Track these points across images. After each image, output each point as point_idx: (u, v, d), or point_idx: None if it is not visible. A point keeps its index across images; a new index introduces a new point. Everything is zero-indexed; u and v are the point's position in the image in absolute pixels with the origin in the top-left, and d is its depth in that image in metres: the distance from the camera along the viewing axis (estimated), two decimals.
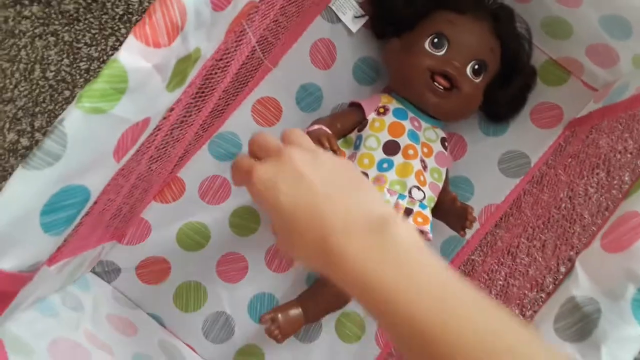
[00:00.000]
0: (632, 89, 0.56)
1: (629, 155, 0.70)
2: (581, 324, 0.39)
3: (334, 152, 0.55)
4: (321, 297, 0.60)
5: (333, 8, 0.65)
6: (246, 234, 0.65)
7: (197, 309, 0.63)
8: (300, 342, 0.64)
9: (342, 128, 0.60)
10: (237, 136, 0.64)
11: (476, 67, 0.58)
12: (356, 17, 0.66)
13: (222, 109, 0.62)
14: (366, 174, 0.57)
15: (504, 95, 0.63)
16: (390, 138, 0.58)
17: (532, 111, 0.68)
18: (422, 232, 0.57)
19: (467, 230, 0.57)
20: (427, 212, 0.57)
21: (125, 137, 0.36)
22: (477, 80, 0.59)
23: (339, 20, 0.66)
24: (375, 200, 0.35)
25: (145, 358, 0.54)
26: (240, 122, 0.64)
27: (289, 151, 0.36)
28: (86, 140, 0.33)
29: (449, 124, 0.65)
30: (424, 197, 0.57)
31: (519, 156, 0.67)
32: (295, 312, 0.59)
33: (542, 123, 0.67)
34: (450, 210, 0.58)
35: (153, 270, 0.62)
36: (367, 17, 0.66)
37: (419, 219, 0.56)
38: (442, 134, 0.62)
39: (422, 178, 0.57)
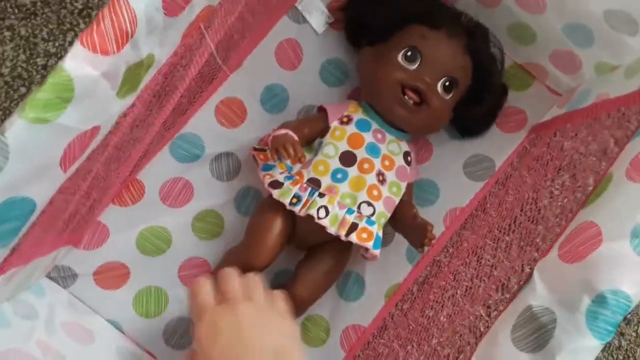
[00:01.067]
0: (594, 96, 0.57)
1: (592, 158, 0.71)
2: (537, 334, 0.39)
3: (299, 160, 0.54)
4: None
5: (299, 8, 0.64)
6: (210, 238, 0.63)
7: (158, 315, 0.61)
8: None
9: (310, 133, 0.60)
10: (200, 138, 0.63)
11: (447, 83, 0.58)
12: (327, 22, 0.65)
13: (185, 109, 0.60)
14: (319, 181, 0.57)
15: (474, 112, 0.64)
16: (348, 149, 0.58)
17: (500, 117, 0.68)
18: (366, 249, 0.57)
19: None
20: (374, 228, 0.57)
21: (73, 146, 0.35)
22: (447, 97, 0.59)
23: (305, 20, 0.65)
24: None
25: None
26: (203, 123, 0.63)
27: (241, 309, 0.45)
28: (29, 151, 0.32)
29: (417, 136, 0.65)
30: (373, 213, 0.57)
31: (484, 160, 0.67)
32: None
33: (507, 127, 0.68)
34: (410, 226, 0.58)
35: (111, 275, 0.61)
36: (332, 20, 0.65)
37: (364, 235, 0.56)
38: (406, 148, 0.61)
39: (375, 193, 0.57)
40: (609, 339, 0.36)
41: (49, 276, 0.58)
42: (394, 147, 0.60)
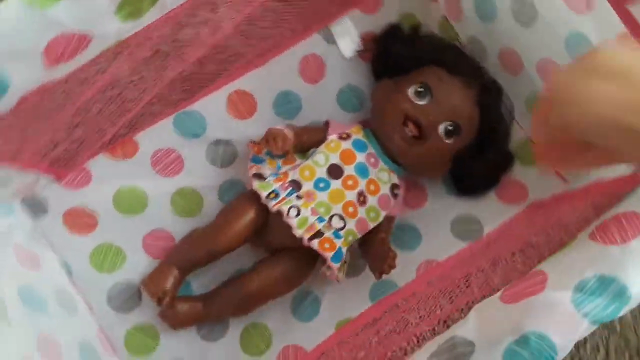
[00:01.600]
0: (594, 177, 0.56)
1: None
2: None
3: (285, 153, 0.55)
4: (227, 297, 0.59)
5: (332, 30, 0.67)
6: (184, 215, 0.64)
7: (109, 272, 0.61)
8: (200, 338, 0.62)
9: (307, 141, 0.61)
10: (205, 119, 0.64)
11: (450, 127, 0.59)
12: (357, 50, 0.67)
13: (198, 87, 0.63)
14: (301, 185, 0.57)
15: (473, 168, 0.63)
16: (338, 162, 0.59)
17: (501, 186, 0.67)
18: (328, 266, 0.56)
19: (397, 276, 0.56)
20: (338, 242, 0.56)
21: (58, 42, 0.37)
22: (447, 141, 0.59)
23: (335, 42, 0.67)
24: None
25: (35, 294, 0.52)
26: (212, 107, 0.64)
27: None
28: (15, 29, 0.34)
29: (412, 175, 0.65)
30: (343, 228, 0.57)
31: (473, 222, 0.65)
32: (196, 305, 0.59)
33: (506, 197, 0.66)
34: (375, 249, 0.58)
35: (80, 221, 0.61)
36: (362, 48, 0.67)
37: (326, 245, 0.56)
38: (395, 180, 0.61)
39: (350, 210, 0.57)
40: None
41: (22, 200, 0.60)
42: (384, 175, 0.60)
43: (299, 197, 0.57)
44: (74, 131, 0.52)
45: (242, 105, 0.66)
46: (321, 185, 0.58)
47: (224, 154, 0.65)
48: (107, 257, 0.62)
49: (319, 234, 0.56)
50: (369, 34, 0.68)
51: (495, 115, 0.62)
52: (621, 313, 0.35)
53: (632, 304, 0.35)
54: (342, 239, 0.57)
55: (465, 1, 0.65)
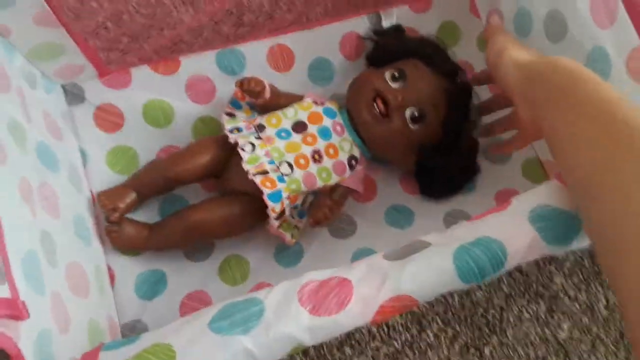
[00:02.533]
0: None
1: (576, 306, 0.69)
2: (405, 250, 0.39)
3: (252, 92, 0.61)
4: (170, 227, 0.62)
5: (382, 16, 0.72)
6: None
7: (121, 173, 0.66)
8: (183, 255, 0.65)
9: (284, 103, 0.65)
10: (245, 60, 0.69)
11: (415, 113, 0.62)
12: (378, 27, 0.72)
13: (249, 27, 0.67)
14: (264, 129, 0.61)
15: (436, 168, 0.65)
16: (305, 120, 0.62)
17: (498, 192, 0.69)
18: (261, 194, 0.58)
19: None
20: (280, 185, 0.58)
21: None
22: (412, 127, 0.62)
23: (380, 28, 0.72)
24: None
25: (50, 153, 0.56)
26: (255, 52, 0.69)
27: None
28: None
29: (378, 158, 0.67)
30: (289, 174, 0.59)
31: (466, 218, 0.67)
32: (142, 230, 0.62)
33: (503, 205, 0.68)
34: (318, 200, 0.62)
35: (109, 119, 0.66)
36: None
37: (267, 183, 0.58)
38: (356, 153, 0.64)
39: (302, 162, 0.60)
40: (468, 276, 0.35)
41: (63, 85, 0.65)
42: (346, 145, 0.63)
43: (258, 138, 0.60)
44: (125, 20, 0.57)
45: (281, 59, 0.71)
46: (283, 134, 0.61)
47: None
48: (122, 158, 0.66)
49: (264, 172, 0.58)
50: (410, 30, 0.73)
51: (461, 114, 0.64)
52: (573, 242, 0.36)
53: (582, 237, 0.36)
54: (285, 184, 0.59)
55: (506, 17, 0.70)
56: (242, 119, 0.65)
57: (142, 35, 0.62)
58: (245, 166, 0.58)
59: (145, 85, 0.67)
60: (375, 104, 0.62)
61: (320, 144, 0.61)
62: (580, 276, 0.70)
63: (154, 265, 0.64)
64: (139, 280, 0.62)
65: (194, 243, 0.64)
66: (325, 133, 0.62)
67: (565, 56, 0.61)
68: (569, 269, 0.71)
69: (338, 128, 0.63)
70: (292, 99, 0.66)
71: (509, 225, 0.36)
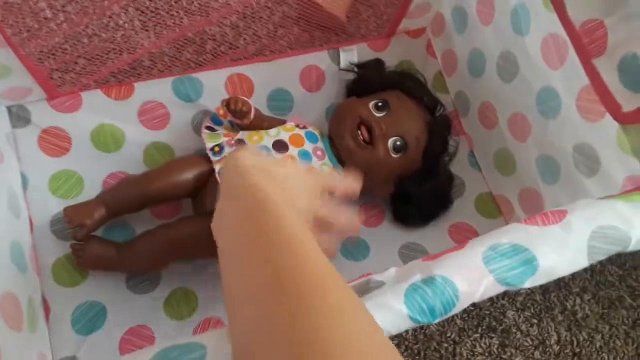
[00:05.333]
0: None
1: (527, 341, 0.69)
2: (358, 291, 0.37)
3: (238, 113, 0.61)
4: (139, 246, 0.59)
5: (340, 50, 0.73)
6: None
7: (63, 197, 0.63)
8: (126, 286, 0.62)
9: (268, 126, 0.65)
10: (203, 88, 0.68)
11: (398, 143, 0.63)
12: (351, 63, 0.73)
13: (209, 55, 0.67)
14: (244, 142, 0.60)
15: (412, 197, 0.66)
16: (286, 140, 0.62)
17: (452, 226, 0.70)
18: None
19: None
20: None
21: None
22: (394, 156, 0.63)
23: (338, 64, 0.73)
24: None
25: None
26: (213, 80, 0.68)
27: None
28: None
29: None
30: None
31: (420, 250, 0.67)
32: (109, 249, 0.59)
33: (457, 239, 0.69)
34: None
35: (54, 143, 0.63)
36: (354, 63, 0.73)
37: None
38: None
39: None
40: (418, 316, 0.34)
41: (8, 107, 0.62)
42: (325, 169, 0.63)
43: None
44: (83, 43, 0.56)
45: (240, 88, 0.70)
46: (263, 152, 0.60)
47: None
48: (65, 184, 0.63)
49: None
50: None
51: (441, 144, 0.66)
52: (526, 282, 0.36)
53: (538, 276, 0.36)
54: None
55: (460, 58, 0.73)
56: (222, 133, 0.63)
57: (100, 58, 0.60)
58: (216, 167, 0.57)
59: (95, 109, 0.65)
60: (359, 132, 0.62)
61: (297, 164, 0.60)
62: (532, 310, 0.71)
63: (93, 297, 0.60)
64: (76, 314, 0.58)
65: (165, 264, 0.61)
66: (305, 155, 0.62)
67: (517, 95, 0.63)
68: (521, 303, 0.71)
69: (319, 152, 0.63)
70: (275, 122, 0.65)
71: (463, 265, 0.35)
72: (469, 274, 0.35)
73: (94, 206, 0.59)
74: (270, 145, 0.61)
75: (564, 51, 0.54)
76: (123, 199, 0.60)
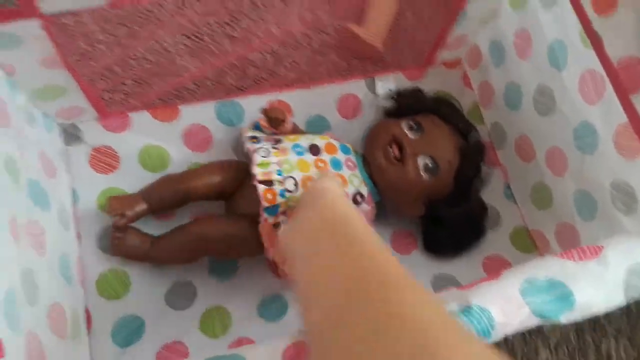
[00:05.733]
0: None
1: None
2: None
3: (273, 120, 0.64)
4: (171, 240, 0.61)
5: (375, 79, 0.75)
6: None
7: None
8: (165, 302, 0.64)
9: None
10: (244, 113, 0.71)
11: (429, 164, 0.63)
12: (389, 89, 0.75)
13: (250, 81, 0.70)
14: (281, 140, 0.63)
15: (446, 214, 0.66)
16: (321, 146, 0.64)
17: (486, 258, 0.70)
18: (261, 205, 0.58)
19: None
20: (279, 200, 0.58)
21: None
22: (423, 175, 0.63)
23: (374, 92, 0.75)
24: None
25: (42, 191, 0.56)
26: (254, 105, 0.70)
27: None
28: None
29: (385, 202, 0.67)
30: (292, 192, 0.59)
31: (453, 282, 0.67)
32: (145, 241, 0.62)
33: (491, 272, 0.68)
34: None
35: (104, 160, 0.67)
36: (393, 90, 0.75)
37: (269, 195, 0.58)
38: (364, 192, 0.63)
39: (309, 183, 0.60)
40: None
41: (61, 125, 0.66)
42: (355, 180, 0.63)
43: (274, 148, 0.62)
44: (132, 65, 0.59)
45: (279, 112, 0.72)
46: (297, 149, 0.62)
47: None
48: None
49: (268, 182, 0.59)
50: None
51: (474, 169, 0.67)
52: (562, 316, 0.36)
53: (574, 312, 0.36)
54: (284, 200, 0.58)
55: (497, 91, 0.74)
56: (263, 137, 0.66)
57: (146, 81, 0.63)
58: (255, 169, 0.59)
59: (143, 130, 0.68)
60: (390, 148, 0.63)
61: (330, 170, 0.62)
62: (566, 351, 0.69)
63: (133, 311, 0.62)
64: (116, 326, 0.60)
65: (193, 259, 0.63)
66: (336, 164, 0.63)
67: (554, 129, 0.63)
68: (555, 344, 0.70)
69: (350, 164, 0.64)
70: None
71: (499, 295, 0.36)
72: (505, 305, 0.36)
73: (136, 199, 0.62)
74: (305, 146, 0.63)
75: (601, 87, 0.54)
76: (160, 194, 0.63)
